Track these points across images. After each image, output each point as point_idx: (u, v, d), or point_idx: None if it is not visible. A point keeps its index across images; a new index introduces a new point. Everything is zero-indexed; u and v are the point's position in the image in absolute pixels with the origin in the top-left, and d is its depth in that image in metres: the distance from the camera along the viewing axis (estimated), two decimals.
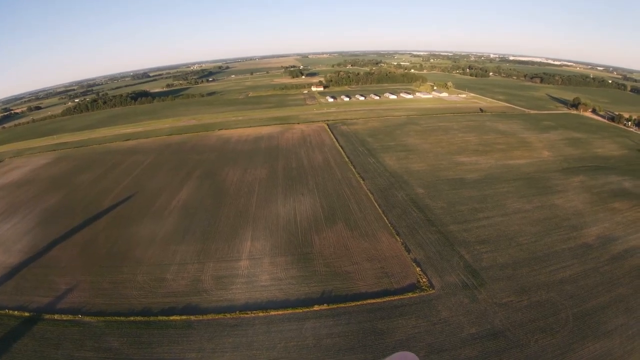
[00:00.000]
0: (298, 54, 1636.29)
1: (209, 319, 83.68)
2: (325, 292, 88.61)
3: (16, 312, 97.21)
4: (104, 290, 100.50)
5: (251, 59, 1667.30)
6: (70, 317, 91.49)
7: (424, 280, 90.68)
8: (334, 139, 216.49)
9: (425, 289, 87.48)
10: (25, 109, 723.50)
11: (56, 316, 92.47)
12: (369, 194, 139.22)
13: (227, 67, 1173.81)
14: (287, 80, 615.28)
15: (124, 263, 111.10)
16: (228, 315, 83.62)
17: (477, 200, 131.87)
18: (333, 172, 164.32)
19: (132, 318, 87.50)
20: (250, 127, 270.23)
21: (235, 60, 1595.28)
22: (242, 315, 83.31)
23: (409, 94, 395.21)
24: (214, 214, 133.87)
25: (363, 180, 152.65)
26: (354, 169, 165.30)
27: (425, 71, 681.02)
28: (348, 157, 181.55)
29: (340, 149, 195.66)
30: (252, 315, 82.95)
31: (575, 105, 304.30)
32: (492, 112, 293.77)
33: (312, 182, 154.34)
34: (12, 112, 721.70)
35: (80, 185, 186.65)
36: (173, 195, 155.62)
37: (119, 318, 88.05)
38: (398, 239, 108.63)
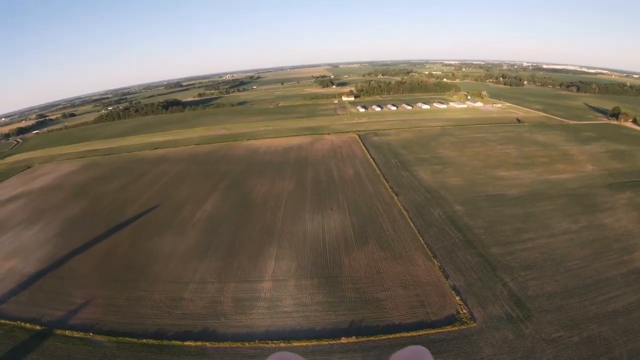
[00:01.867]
0: (328, 64, 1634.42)
1: (226, 347, 76.42)
2: (354, 322, 79.54)
3: (28, 324, 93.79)
4: (118, 307, 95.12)
5: (282, 69, 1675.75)
6: (81, 334, 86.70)
7: (464, 311, 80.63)
8: (366, 151, 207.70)
9: (466, 322, 77.58)
10: (60, 115, 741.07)
11: (67, 332, 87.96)
12: (403, 210, 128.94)
13: (258, 77, 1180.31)
14: (318, 89, 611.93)
15: (142, 278, 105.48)
16: (247, 344, 76.02)
17: (520, 219, 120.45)
18: (364, 186, 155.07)
19: (144, 340, 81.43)
20: (280, 137, 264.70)
21: (267, 71, 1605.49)
22: (261, 344, 75.51)
23: (443, 103, 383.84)
24: (238, 228, 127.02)
25: (396, 195, 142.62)
26: (386, 183, 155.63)
27: (457, 80, 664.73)
28: (380, 170, 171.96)
29: (372, 161, 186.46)
30: (273, 345, 75.10)
31: (615, 115, 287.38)
32: (529, 122, 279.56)
33: (342, 196, 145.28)
34: (47, 118, 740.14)
35: (106, 193, 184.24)
36: (198, 206, 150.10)
37: (131, 339, 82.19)
38: (435, 262, 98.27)
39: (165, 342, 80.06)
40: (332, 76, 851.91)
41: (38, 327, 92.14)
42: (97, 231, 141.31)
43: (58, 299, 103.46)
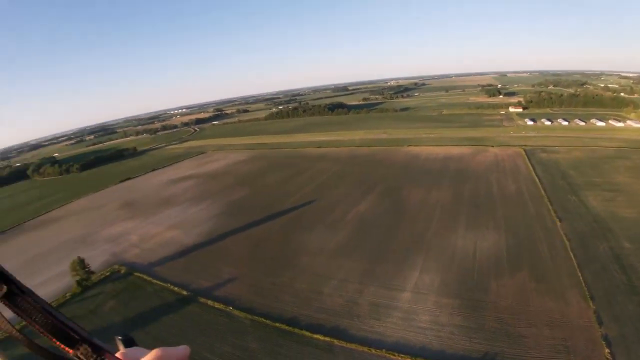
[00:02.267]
0: (496, 72, 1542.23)
1: (353, 349, 76.95)
2: (488, 354, 73.64)
3: (176, 288, 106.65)
4: (261, 289, 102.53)
5: (447, 76, 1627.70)
6: (222, 306, 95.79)
7: None
8: (531, 167, 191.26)
9: None
10: (234, 110, 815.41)
11: (210, 302, 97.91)
12: (565, 239, 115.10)
13: (423, 84, 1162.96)
14: (483, 99, 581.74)
15: (288, 266, 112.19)
16: (373, 351, 75.68)
17: None
18: (526, 206, 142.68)
19: (277, 324, 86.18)
20: (441, 145, 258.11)
21: (431, 78, 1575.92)
22: (388, 354, 74.42)
23: (619, 121, 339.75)
24: (387, 234, 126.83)
25: (560, 221, 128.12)
26: (550, 206, 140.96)
27: (636, 95, 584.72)
28: (545, 191, 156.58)
29: (537, 180, 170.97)
30: (399, 358, 73.46)
31: None
32: None
33: (500, 214, 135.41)
34: (223, 112, 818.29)
35: (267, 184, 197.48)
36: (351, 207, 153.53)
37: (265, 320, 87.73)
38: (591, 304, 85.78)
39: (296, 330, 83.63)
40: (499, 85, 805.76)
41: (185, 292, 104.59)
42: (254, 217, 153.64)
43: (208, 271, 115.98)
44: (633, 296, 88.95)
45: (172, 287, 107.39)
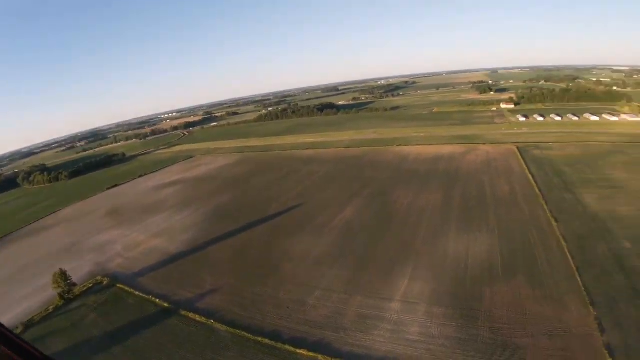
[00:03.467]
0: (487, 69, 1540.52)
1: None
2: None
3: (158, 300, 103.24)
4: (243, 299, 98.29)
5: (438, 74, 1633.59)
6: (203, 319, 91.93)
7: None
8: (524, 166, 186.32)
9: None
10: (224, 113, 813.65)
11: (191, 314, 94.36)
12: (562, 241, 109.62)
13: (414, 82, 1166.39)
14: (475, 96, 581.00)
15: (271, 276, 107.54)
16: None
17: None
18: (520, 207, 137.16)
19: (259, 339, 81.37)
20: (431, 144, 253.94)
21: (423, 76, 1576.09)
22: None
23: (613, 115, 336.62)
24: (375, 240, 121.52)
25: (556, 222, 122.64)
26: (545, 206, 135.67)
27: (629, 89, 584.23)
28: (540, 190, 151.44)
29: (531, 179, 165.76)
30: None
31: None
32: None
33: (493, 217, 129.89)
34: (213, 115, 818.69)
35: (253, 188, 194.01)
36: (338, 212, 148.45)
37: (247, 335, 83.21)
38: (592, 311, 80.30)
39: (279, 345, 78.80)
40: (490, 82, 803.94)
41: (166, 304, 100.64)
42: (239, 223, 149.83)
43: (191, 282, 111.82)
44: (636, 301, 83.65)
45: (154, 299, 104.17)
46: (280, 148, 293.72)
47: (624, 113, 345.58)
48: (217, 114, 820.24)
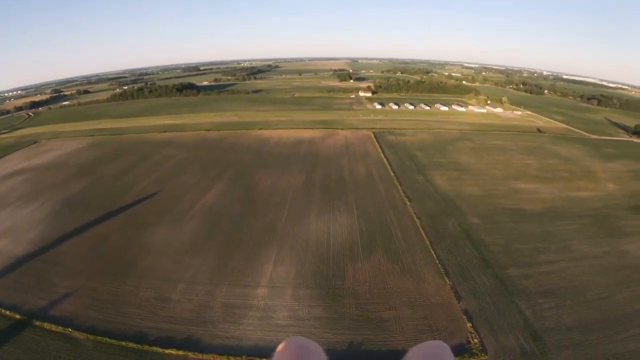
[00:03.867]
0: (348, 58, 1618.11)
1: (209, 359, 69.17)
2: (353, 343, 70.79)
3: (8, 312, 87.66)
4: (102, 302, 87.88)
5: (301, 59, 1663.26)
6: (60, 328, 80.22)
7: (475, 340, 71.40)
8: (380, 150, 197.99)
9: (477, 354, 68.70)
10: (74, 91, 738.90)
11: (46, 325, 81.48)
12: (415, 218, 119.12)
13: (277, 66, 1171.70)
14: (335, 83, 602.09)
15: (130, 272, 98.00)
16: (232, 358, 68.60)
17: (540, 239, 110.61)
18: (376, 188, 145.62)
19: (124, 343, 74.17)
20: (292, 128, 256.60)
21: (286, 60, 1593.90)
22: None
23: (462, 106, 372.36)
24: (238, 224, 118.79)
25: (410, 201, 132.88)
26: (399, 187, 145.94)
27: (477, 84, 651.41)
28: (394, 172, 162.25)
29: (386, 162, 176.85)
30: None
31: (637, 132, 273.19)
32: (550, 133, 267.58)
33: (352, 198, 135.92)
34: (62, 93, 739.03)
35: (107, 175, 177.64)
36: (199, 197, 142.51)
37: (110, 340, 75.03)
38: (447, 280, 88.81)
39: (145, 347, 73.03)
40: (350, 70, 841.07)
41: (18, 316, 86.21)
42: (93, 215, 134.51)
43: (42, 287, 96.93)
44: (486, 269, 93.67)
45: (4, 311, 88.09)
46: (134, 131, 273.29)
47: (472, 105, 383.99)
48: (67, 92, 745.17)
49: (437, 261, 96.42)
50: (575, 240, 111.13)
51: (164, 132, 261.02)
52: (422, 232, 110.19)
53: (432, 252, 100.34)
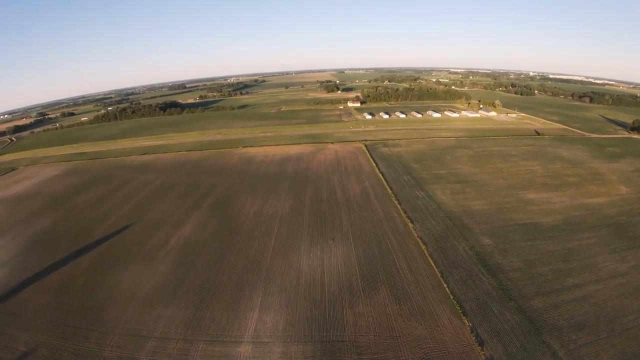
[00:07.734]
0: (334, 69, 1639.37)
1: None
2: None
3: None
4: None
5: (287, 73, 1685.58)
6: None
7: None
8: (374, 164, 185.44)
9: None
10: (59, 114, 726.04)
11: None
12: (421, 243, 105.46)
13: (263, 81, 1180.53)
14: (322, 94, 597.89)
15: (95, 325, 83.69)
16: None
17: (561, 258, 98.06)
18: (373, 208, 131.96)
19: None
20: (279, 145, 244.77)
21: (272, 75, 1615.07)
22: None
23: (455, 112, 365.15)
24: (217, 262, 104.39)
25: (412, 222, 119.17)
26: (399, 206, 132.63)
27: (466, 88, 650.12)
28: (391, 188, 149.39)
29: (382, 177, 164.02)
30: None
31: (636, 128, 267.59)
32: (549, 135, 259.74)
33: (347, 221, 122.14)
34: (47, 116, 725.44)
35: (80, 205, 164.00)
36: (174, 230, 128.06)
37: None
38: (465, 321, 74.84)
39: None
40: (337, 81, 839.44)
41: None
42: (61, 253, 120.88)
43: (1, 342, 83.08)
44: (508, 302, 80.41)
45: None
46: (114, 154, 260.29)
47: (464, 110, 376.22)
48: (52, 115, 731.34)
49: (452, 297, 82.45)
50: (600, 256, 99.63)
51: (145, 154, 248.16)
52: (430, 261, 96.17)
53: (445, 285, 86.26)
